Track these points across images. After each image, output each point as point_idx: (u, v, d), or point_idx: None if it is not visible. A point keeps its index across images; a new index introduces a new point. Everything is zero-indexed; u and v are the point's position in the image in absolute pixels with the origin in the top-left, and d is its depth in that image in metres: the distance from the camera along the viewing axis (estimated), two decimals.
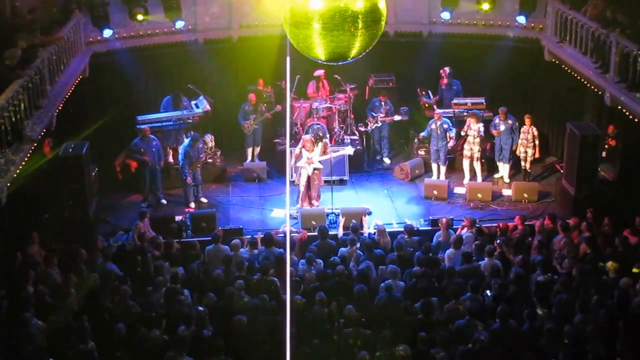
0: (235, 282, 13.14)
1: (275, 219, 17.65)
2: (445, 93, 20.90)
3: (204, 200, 18.61)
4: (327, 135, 19.36)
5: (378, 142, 20.92)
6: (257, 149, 20.85)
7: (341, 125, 20.39)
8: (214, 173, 19.73)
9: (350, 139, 19.97)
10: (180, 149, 18.45)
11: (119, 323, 11.99)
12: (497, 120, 19.03)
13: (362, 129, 20.56)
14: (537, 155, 19.20)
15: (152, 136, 18.38)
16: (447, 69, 20.78)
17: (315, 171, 17.75)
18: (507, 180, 19.48)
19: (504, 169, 19.49)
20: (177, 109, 19.84)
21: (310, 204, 17.80)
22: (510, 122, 19.00)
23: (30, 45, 15.51)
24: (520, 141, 19.06)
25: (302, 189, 17.76)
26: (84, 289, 13.31)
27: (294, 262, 14.16)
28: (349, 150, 18.22)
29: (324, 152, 17.74)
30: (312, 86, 21.08)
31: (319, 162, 17.71)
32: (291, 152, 17.78)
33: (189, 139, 18.36)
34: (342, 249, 14.70)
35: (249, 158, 20.76)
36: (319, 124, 19.67)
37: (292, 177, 18.73)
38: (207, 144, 19.45)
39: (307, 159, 17.59)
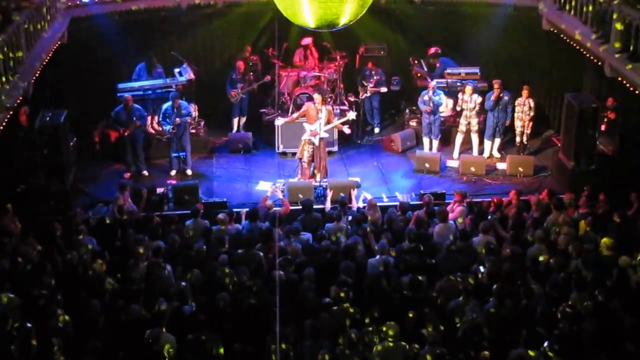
0: (219, 256, 13.06)
1: (261, 192, 17.44)
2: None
3: (188, 172, 18.45)
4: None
5: (369, 113, 20.79)
6: (243, 120, 20.68)
7: (330, 95, 20.20)
8: (198, 144, 19.48)
9: (340, 110, 19.81)
10: (162, 109, 18.38)
11: (96, 298, 11.89)
12: (492, 97, 18.79)
13: (352, 99, 20.41)
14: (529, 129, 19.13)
15: (135, 105, 18.14)
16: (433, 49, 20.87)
17: (321, 141, 17.40)
18: (497, 154, 19.38)
19: (494, 145, 19.32)
20: (150, 75, 19.69)
21: (314, 177, 17.54)
22: (506, 97, 18.83)
23: (4, 8, 15.25)
24: (516, 114, 18.91)
25: (304, 164, 17.51)
26: (61, 262, 13.22)
27: (280, 236, 14.04)
28: (352, 115, 17.84)
29: (328, 121, 17.41)
30: (300, 54, 20.91)
31: (325, 132, 17.39)
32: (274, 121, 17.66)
33: (171, 98, 18.22)
34: (329, 224, 14.59)
35: (235, 128, 20.62)
36: (307, 93, 19.51)
37: (278, 149, 18.70)
38: (190, 114, 19.29)
39: (310, 132, 17.29)
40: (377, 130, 20.97)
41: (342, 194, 15.97)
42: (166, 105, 18.20)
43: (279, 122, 18.06)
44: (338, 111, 19.58)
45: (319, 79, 20.29)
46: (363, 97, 20.26)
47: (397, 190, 17.50)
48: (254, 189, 17.81)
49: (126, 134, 17.93)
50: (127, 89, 19.05)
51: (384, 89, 20.42)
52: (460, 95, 19.08)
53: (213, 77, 21.02)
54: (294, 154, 18.23)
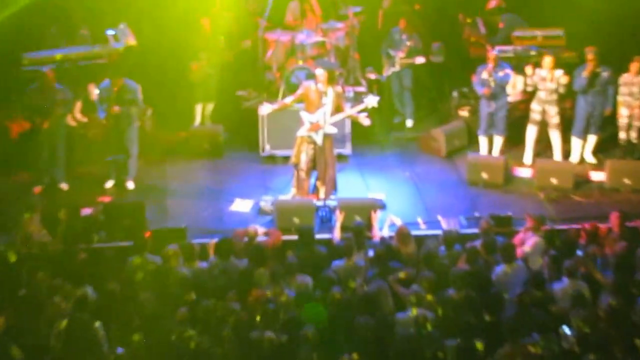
0: (176, 310, 13.16)
1: (237, 215, 17.71)
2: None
3: (130, 185, 18.64)
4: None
5: (398, 97, 20.92)
6: (210, 107, 20.89)
7: (340, 71, 20.35)
8: (143, 142, 19.47)
9: (354, 92, 19.86)
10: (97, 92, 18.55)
11: None
12: (584, 73, 18.88)
13: (373, 76, 20.48)
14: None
15: (57, 84, 18.24)
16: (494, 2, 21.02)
17: (327, 139, 17.44)
18: (590, 158, 19.50)
19: (587, 144, 19.42)
20: (71, 40, 19.78)
21: (316, 193, 17.64)
22: (605, 74, 18.93)
23: None
24: (620, 99, 19.05)
25: (302, 173, 17.55)
26: None
27: (266, 280, 14.15)
28: (373, 101, 17.78)
29: (337, 109, 17.44)
30: (294, 10, 20.98)
31: (332, 125, 17.41)
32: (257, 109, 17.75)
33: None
34: (339, 262, 14.71)
35: (198, 120, 20.84)
36: (305, 68, 19.61)
37: (262, 151, 18.84)
38: (138, 100, 19.32)
39: (310, 125, 17.35)
40: (409, 123, 21.17)
41: (357, 218, 16.11)
42: (102, 85, 18.33)
43: (265, 110, 18.16)
44: (351, 94, 19.66)
45: (322, 47, 20.42)
46: (389, 73, 20.36)
47: (439, 213, 17.63)
48: (227, 210, 17.97)
49: (45, 126, 18.07)
50: (36, 59, 19.15)
51: (420, 60, 20.49)
52: (530, 70, 19.24)
53: (164, 42, 21.09)
54: (286, 157, 18.37)
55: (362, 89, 20.22)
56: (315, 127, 17.31)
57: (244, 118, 20.20)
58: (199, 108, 20.79)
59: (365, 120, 17.74)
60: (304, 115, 17.38)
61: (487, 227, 15.56)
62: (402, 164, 19.79)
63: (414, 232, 16.11)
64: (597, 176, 18.94)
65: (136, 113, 18.56)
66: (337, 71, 19.85)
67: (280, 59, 20.45)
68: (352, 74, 20.55)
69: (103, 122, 18.29)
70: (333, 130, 17.48)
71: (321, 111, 17.25)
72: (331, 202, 17.36)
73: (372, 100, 17.74)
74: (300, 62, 19.97)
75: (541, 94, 18.99)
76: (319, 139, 17.35)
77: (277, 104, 18.05)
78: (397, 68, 20.37)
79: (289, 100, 17.81)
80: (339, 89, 17.97)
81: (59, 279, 14.14)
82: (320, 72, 17.42)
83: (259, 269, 14.20)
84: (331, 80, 17.73)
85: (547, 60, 18.93)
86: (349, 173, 19.19)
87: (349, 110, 17.69)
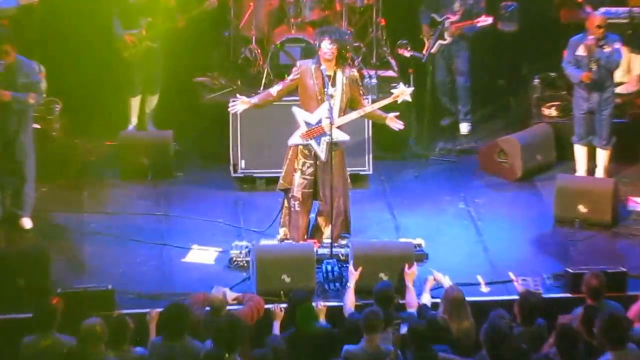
0: None
1: (194, 271, 17.57)
2: None
3: (26, 223, 18.58)
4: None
5: (446, 87, 20.77)
6: (153, 100, 21.04)
7: (356, 44, 20.30)
8: (48, 156, 19.53)
9: (376, 77, 19.72)
10: None
11: None
12: None
13: (408, 53, 20.35)
14: None
15: None
16: None
17: (335, 151, 17.23)
18: None
19: None
20: None
21: (317, 237, 17.66)
22: None
23: None
24: None
25: (295, 204, 17.45)
26: None
27: None
28: (406, 93, 17.56)
29: (353, 104, 17.32)
30: None
31: (340, 130, 17.17)
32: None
33: None
34: (352, 348, 14.42)
35: (134, 121, 20.92)
36: (303, 40, 19.59)
37: (234, 170, 18.72)
38: (39, 86, 19.24)
39: (308, 129, 17.18)
40: (465, 127, 21.33)
41: (383, 276, 16.00)
42: None
43: (239, 106, 17.92)
44: (374, 82, 19.56)
45: (328, 7, 20.61)
46: (434, 49, 20.21)
47: (511, 269, 17.36)
48: (179, 262, 17.84)
49: None
50: None
51: (485, 21, 20.48)
52: None
53: (82, 1, 21.01)
54: (271, 180, 18.29)
55: (390, 73, 20.06)
56: (316, 132, 17.15)
57: (206, 119, 20.05)
58: (135, 103, 20.84)
59: (395, 123, 17.51)
60: (299, 113, 17.22)
61: (596, 287, 15.21)
62: (452, 191, 19.83)
63: (472, 298, 15.92)
64: None
65: (35, 109, 18.35)
66: (351, 45, 19.61)
67: (262, 26, 20.35)
68: (375, 50, 20.40)
69: None
70: (344, 137, 17.30)
71: (324, 108, 17.06)
72: (341, 250, 17.22)
73: (404, 92, 17.54)
74: (294, 31, 19.79)
75: None
76: (322, 151, 17.14)
77: (258, 96, 17.81)
78: (445, 41, 20.19)
79: (275, 90, 17.57)
80: (354, 73, 17.74)
81: None
82: (326, 47, 17.19)
83: (229, 355, 13.92)
84: (342, 60, 17.46)
85: None
86: (370, 204, 19.25)
87: (370, 107, 17.55)
